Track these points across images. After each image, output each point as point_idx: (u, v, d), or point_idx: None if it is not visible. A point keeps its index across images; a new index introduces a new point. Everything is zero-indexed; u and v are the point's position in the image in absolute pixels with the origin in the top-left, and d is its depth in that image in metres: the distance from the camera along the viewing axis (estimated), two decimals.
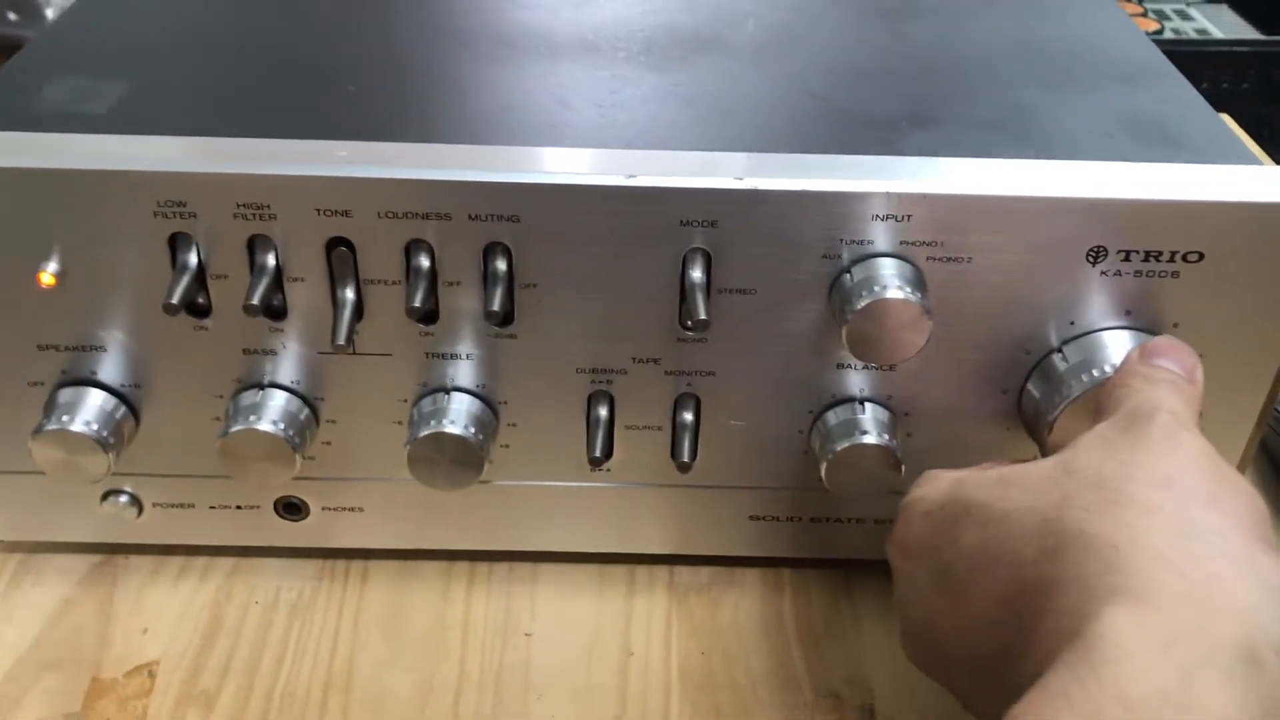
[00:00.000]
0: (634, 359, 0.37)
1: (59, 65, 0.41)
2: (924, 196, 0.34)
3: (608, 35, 0.44)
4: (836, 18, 0.47)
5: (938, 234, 0.34)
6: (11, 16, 1.48)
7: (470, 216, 0.34)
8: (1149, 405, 0.30)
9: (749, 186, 0.34)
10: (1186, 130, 0.39)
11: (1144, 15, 1.67)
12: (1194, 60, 1.57)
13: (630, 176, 0.34)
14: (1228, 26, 1.67)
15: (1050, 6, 0.48)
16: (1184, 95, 0.42)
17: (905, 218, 0.34)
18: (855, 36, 0.45)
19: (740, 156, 0.35)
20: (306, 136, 0.35)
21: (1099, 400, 0.33)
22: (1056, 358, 0.37)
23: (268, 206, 0.34)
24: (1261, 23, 1.92)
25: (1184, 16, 1.69)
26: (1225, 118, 0.77)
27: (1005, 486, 0.30)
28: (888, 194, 0.34)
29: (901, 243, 0.35)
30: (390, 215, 0.34)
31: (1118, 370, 0.34)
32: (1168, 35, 1.62)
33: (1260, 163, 0.37)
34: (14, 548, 0.43)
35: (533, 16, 0.45)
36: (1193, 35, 1.62)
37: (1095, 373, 0.36)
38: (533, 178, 0.34)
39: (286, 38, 0.44)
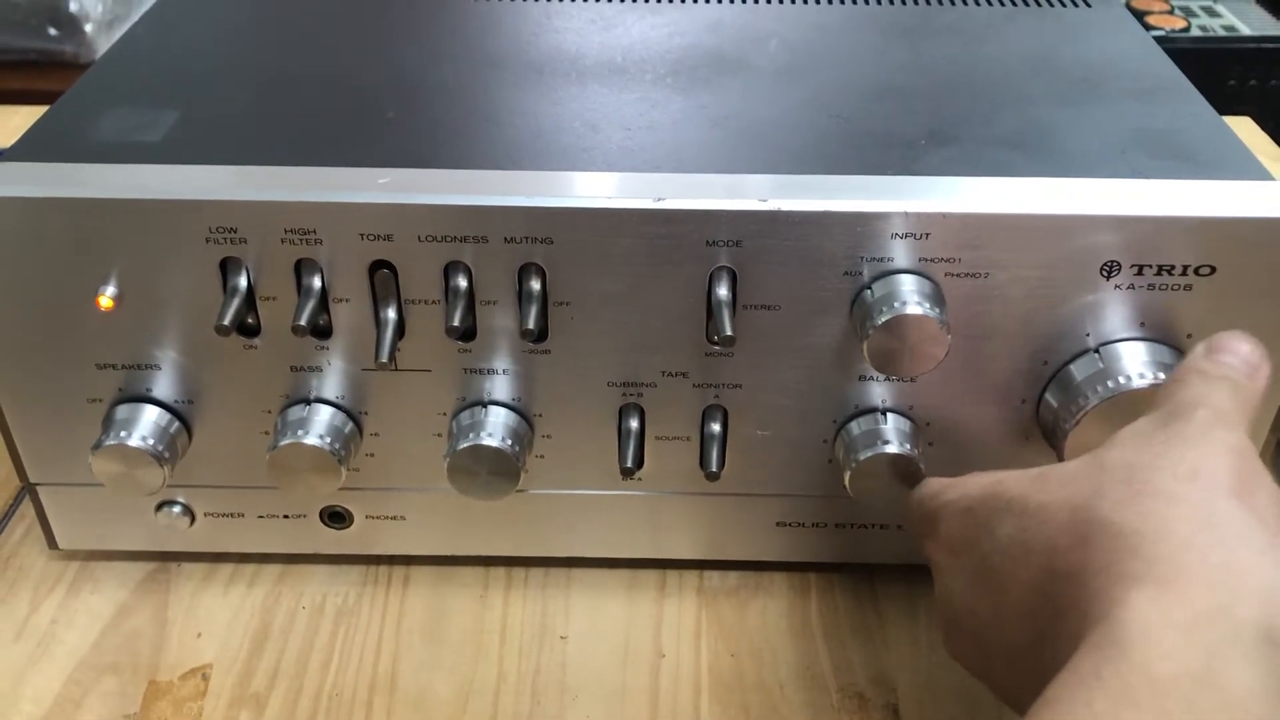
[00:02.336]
0: (663, 373, 0.39)
1: (112, 97, 0.43)
2: (942, 216, 0.35)
3: (635, 58, 0.46)
4: (856, 37, 0.48)
5: (956, 251, 0.36)
6: (52, 31, 1.51)
7: (506, 239, 0.36)
8: (1192, 401, 0.31)
9: (773, 208, 0.35)
10: (1199, 145, 0.40)
11: (1171, 12, 1.67)
12: (1222, 57, 1.57)
13: (659, 200, 0.35)
14: (1255, 22, 1.67)
15: (1067, 23, 0.49)
16: (1198, 110, 0.43)
17: (924, 236, 0.36)
18: (875, 55, 0.47)
19: (764, 179, 0.36)
20: (348, 164, 0.37)
21: (1157, 394, 0.33)
22: (1073, 369, 0.38)
23: (314, 232, 0.36)
24: None
25: (1211, 13, 1.69)
26: (1245, 120, 0.77)
27: (1043, 480, 0.31)
28: (906, 214, 0.35)
29: (921, 260, 0.36)
30: (430, 239, 0.36)
31: (1182, 363, 0.33)
32: (1195, 32, 1.62)
33: (1271, 176, 0.38)
34: (72, 556, 0.45)
35: (562, 40, 0.47)
36: (1220, 31, 1.62)
37: (1111, 383, 0.37)
38: (565, 202, 0.36)
39: (325, 68, 0.45)
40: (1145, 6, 1.66)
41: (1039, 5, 0.51)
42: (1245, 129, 0.75)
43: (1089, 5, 0.51)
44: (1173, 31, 1.58)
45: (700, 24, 0.49)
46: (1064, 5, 0.51)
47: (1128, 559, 0.27)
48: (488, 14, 0.50)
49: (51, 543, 0.44)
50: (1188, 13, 1.67)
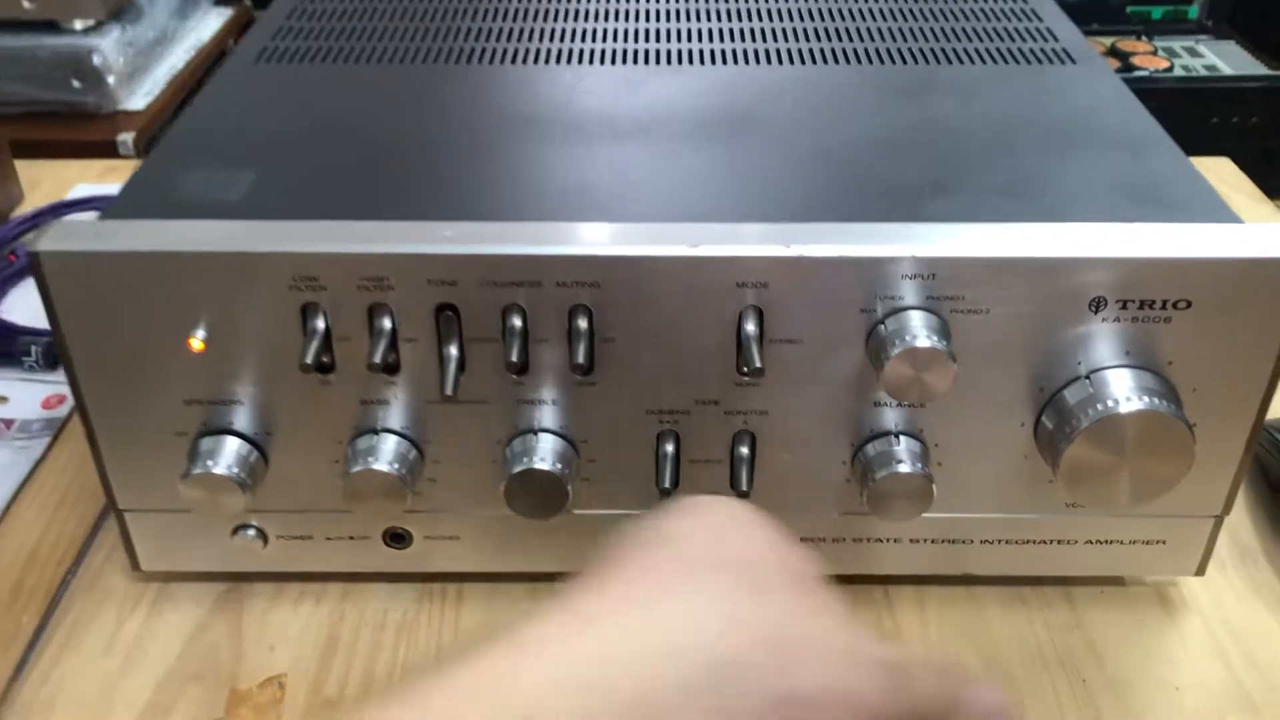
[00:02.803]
0: (697, 401, 0.43)
1: (191, 160, 0.47)
2: (946, 259, 0.40)
3: (661, 117, 0.50)
4: (861, 95, 0.53)
5: (959, 290, 0.40)
6: (75, 84, 1.57)
7: (558, 284, 0.40)
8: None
9: (795, 254, 0.40)
10: (1175, 192, 0.44)
11: (1155, 54, 1.73)
12: (1205, 96, 1.63)
13: (694, 246, 0.40)
14: (1236, 62, 1.73)
15: (1054, 80, 0.54)
16: (1174, 160, 0.47)
17: (931, 276, 0.40)
18: (879, 112, 0.51)
19: (787, 226, 0.41)
20: (413, 218, 0.42)
21: None
22: (1066, 394, 0.42)
23: (386, 279, 0.40)
24: (1274, 53, 1.97)
25: (1193, 53, 1.75)
26: (1224, 160, 0.82)
27: None
28: (914, 257, 0.39)
29: (928, 298, 0.40)
30: (490, 284, 0.40)
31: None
32: (1178, 72, 1.68)
33: (1238, 219, 0.42)
34: (150, 578, 0.49)
35: (596, 102, 0.52)
36: (1202, 71, 1.68)
37: (1100, 406, 0.41)
38: (610, 250, 0.40)
39: (382, 129, 0.50)
40: (1130, 49, 1.72)
41: (1028, 63, 0.56)
42: (1224, 169, 0.80)
43: (1074, 62, 0.56)
44: (1157, 72, 1.64)
45: (718, 85, 0.54)
46: (1050, 63, 0.56)
47: None
48: (526, 78, 0.54)
49: (134, 564, 0.48)
50: (1171, 54, 1.73)
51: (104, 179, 0.80)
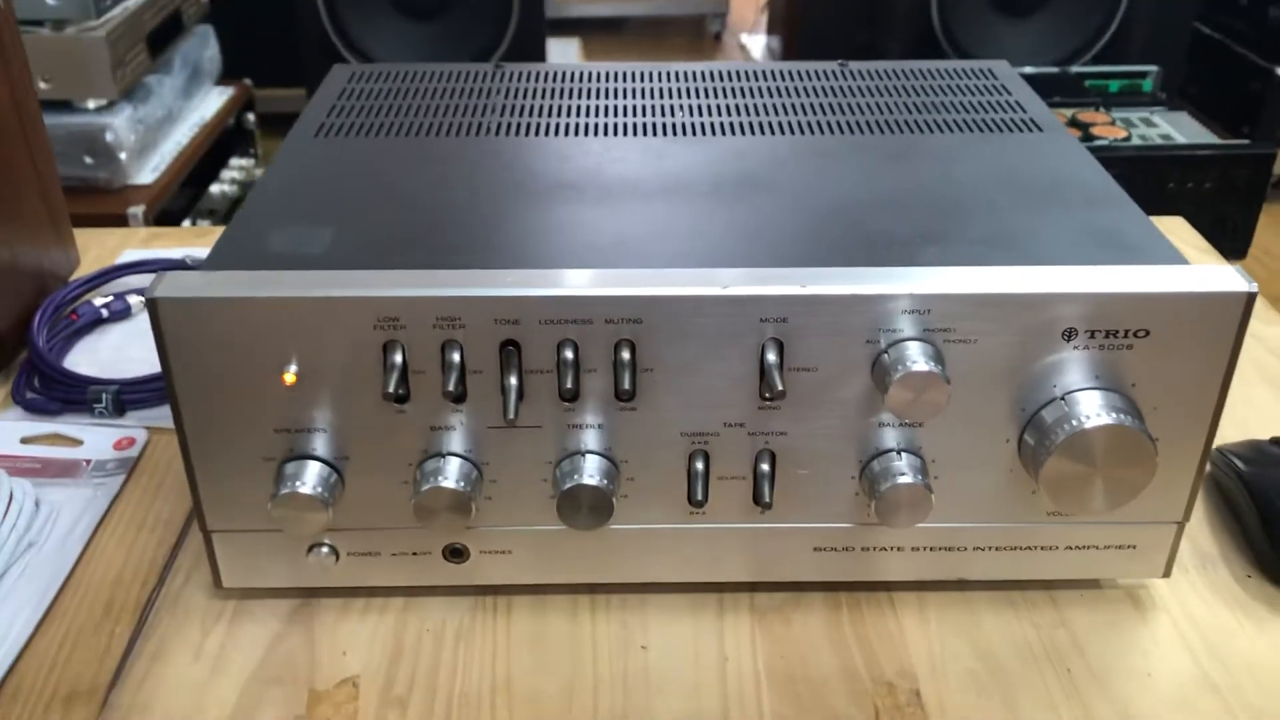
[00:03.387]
0: (725, 424, 0.49)
1: (273, 219, 0.53)
2: (939, 295, 0.46)
3: (684, 180, 0.57)
4: (857, 161, 0.60)
5: (951, 323, 0.47)
6: (88, 160, 1.63)
7: (606, 320, 0.47)
8: None
9: (810, 292, 0.46)
10: (1133, 240, 0.52)
11: (1113, 124, 1.83)
12: (1161, 164, 1.73)
13: (724, 288, 0.46)
14: (1189, 131, 1.84)
15: (1024, 146, 0.61)
16: (1132, 213, 0.54)
17: (926, 311, 0.47)
18: (873, 175, 0.58)
19: (802, 270, 0.47)
20: (475, 266, 0.48)
21: None
22: (1045, 413, 0.49)
23: (459, 319, 0.46)
24: (1224, 123, 2.09)
25: (1149, 124, 1.86)
26: (1178, 219, 0.90)
27: None
28: (912, 295, 0.46)
29: (924, 330, 0.47)
30: (547, 322, 0.47)
31: None
32: (1136, 141, 1.78)
33: (1186, 261, 0.49)
34: (229, 595, 0.54)
35: (625, 168, 0.59)
36: (1158, 140, 1.78)
37: (1074, 423, 0.47)
38: (650, 291, 0.46)
39: (439, 192, 0.57)
40: (1090, 119, 1.83)
41: (1000, 132, 0.63)
42: (1178, 226, 0.88)
43: (1041, 130, 0.63)
44: (1116, 141, 1.74)
45: (731, 153, 0.61)
46: (1020, 132, 0.63)
47: None
48: (561, 148, 0.61)
49: (217, 581, 0.53)
50: (1128, 124, 1.84)
51: (149, 244, 0.86)
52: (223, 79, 2.01)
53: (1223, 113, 2.41)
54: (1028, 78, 2.00)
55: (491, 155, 0.61)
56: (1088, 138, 1.74)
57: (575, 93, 0.69)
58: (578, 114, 0.66)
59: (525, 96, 0.68)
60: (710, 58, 3.47)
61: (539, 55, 2.07)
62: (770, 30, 2.85)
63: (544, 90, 0.69)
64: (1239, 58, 2.45)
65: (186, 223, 1.76)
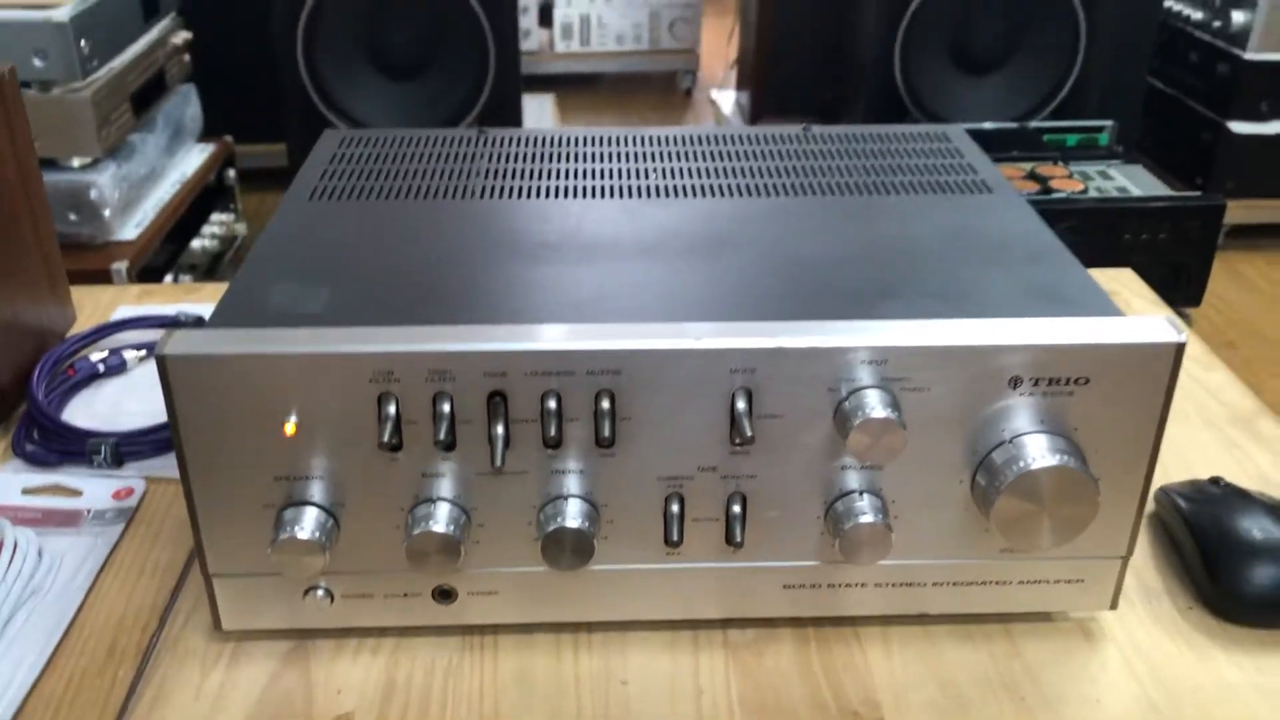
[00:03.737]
0: (698, 468, 0.53)
1: (272, 279, 0.57)
2: (895, 348, 0.50)
3: (660, 241, 0.61)
4: (819, 221, 0.64)
5: (906, 372, 0.51)
6: (72, 217, 1.66)
7: (587, 372, 0.50)
8: None
9: (776, 345, 0.50)
10: (1073, 294, 0.56)
11: (1070, 177, 1.90)
12: (1117, 216, 1.79)
13: (696, 341, 0.50)
14: (1144, 183, 1.90)
15: (974, 207, 0.66)
16: (1073, 269, 0.59)
17: (883, 362, 0.50)
18: (835, 233, 0.62)
19: (769, 324, 0.51)
20: (464, 321, 0.51)
21: None
22: (995, 454, 0.52)
23: (449, 371, 0.50)
24: (1178, 174, 2.16)
25: (1105, 176, 1.93)
26: (1126, 270, 0.95)
27: None
28: (870, 347, 0.50)
29: (882, 379, 0.51)
30: (532, 374, 0.50)
31: None
32: (1092, 193, 1.84)
33: (1121, 313, 0.53)
34: (227, 637, 0.57)
35: (603, 228, 0.62)
36: (1114, 193, 1.85)
37: (1021, 464, 0.51)
38: (628, 344, 0.50)
39: (428, 252, 0.60)
40: (1049, 173, 1.89)
41: (954, 193, 0.68)
42: (1127, 278, 0.93)
43: (991, 191, 0.68)
44: (1073, 194, 1.80)
45: (702, 213, 0.65)
46: (972, 193, 0.68)
47: None
48: (542, 210, 0.65)
49: (216, 624, 0.56)
50: (1085, 177, 1.91)
51: (142, 301, 0.89)
52: (204, 136, 2.04)
53: (1177, 163, 2.49)
54: (988, 133, 2.08)
55: (476, 217, 0.64)
56: (1046, 190, 1.80)
57: (554, 156, 0.73)
58: (557, 176, 0.70)
59: (507, 160, 0.72)
60: (681, 113, 3.54)
61: (515, 112, 2.13)
62: (740, 86, 2.92)
63: (524, 154, 0.73)
64: (1191, 111, 2.54)
65: (169, 277, 1.78)
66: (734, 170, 0.71)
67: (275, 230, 0.63)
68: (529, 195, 0.67)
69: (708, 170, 0.71)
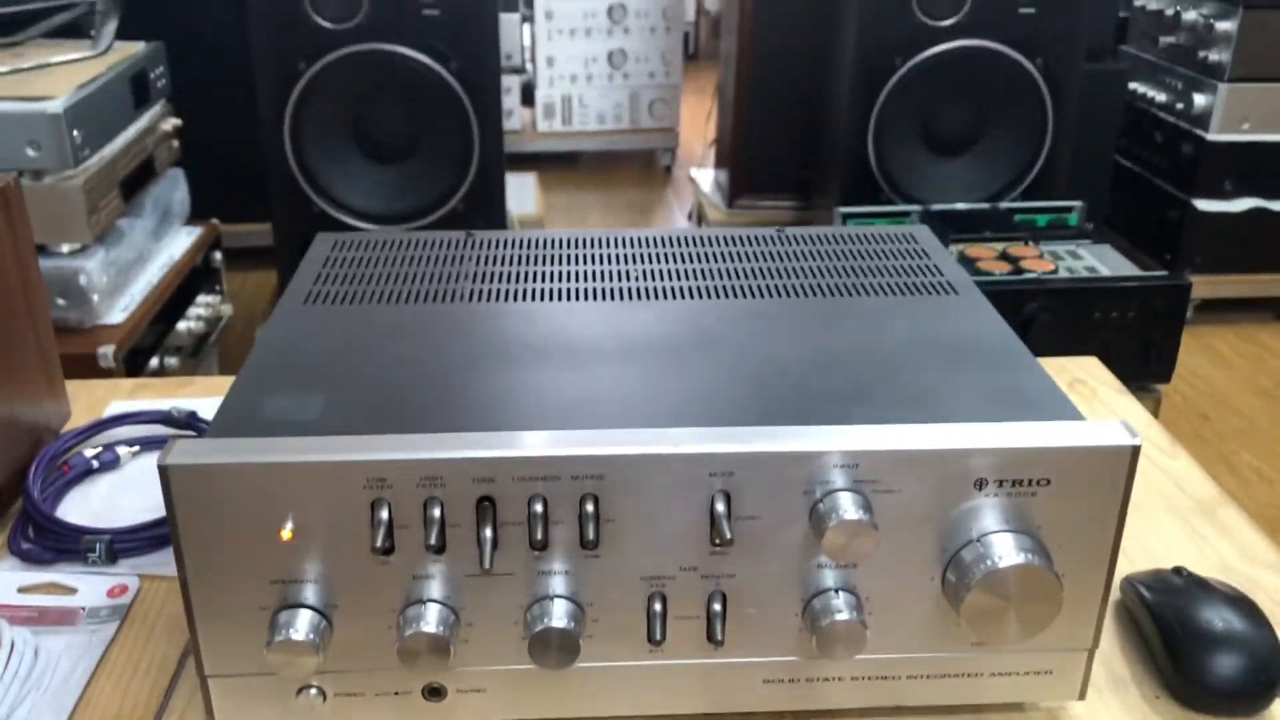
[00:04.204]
0: (680, 568, 0.55)
1: (269, 386, 0.59)
2: (866, 452, 0.53)
3: (641, 343, 0.64)
4: (795, 322, 0.67)
5: (878, 475, 0.53)
6: (60, 302, 1.68)
7: (572, 477, 0.52)
8: None
9: (753, 450, 0.52)
10: (1035, 397, 0.58)
11: (1041, 257, 1.95)
12: (1087, 295, 1.84)
13: (676, 446, 0.52)
14: (1113, 263, 1.95)
15: (940, 308, 0.69)
16: (1033, 370, 0.62)
17: (855, 465, 0.53)
18: (809, 336, 0.65)
19: (746, 429, 0.54)
20: (454, 427, 0.54)
21: None
22: (964, 552, 0.55)
23: (439, 478, 0.52)
24: (1147, 250, 2.21)
25: (1075, 256, 1.98)
26: (1093, 360, 0.98)
27: None
28: (842, 452, 0.52)
29: (854, 481, 0.53)
30: (520, 479, 0.52)
31: None
32: (1062, 273, 1.89)
33: (1081, 416, 0.56)
34: None
35: (586, 331, 0.65)
36: (1084, 273, 1.89)
37: (989, 563, 0.53)
38: (611, 450, 0.52)
39: (419, 357, 0.63)
40: (1020, 253, 1.94)
41: (919, 294, 0.71)
42: (1091, 366, 0.96)
43: (956, 293, 0.71)
44: (1044, 274, 1.85)
45: (681, 315, 0.67)
46: (938, 294, 0.71)
47: None
48: (527, 313, 0.68)
49: None
50: (1056, 256, 1.95)
51: (135, 395, 0.91)
52: (191, 218, 2.07)
53: (1146, 239, 2.55)
54: (961, 214, 2.13)
55: (465, 321, 0.67)
56: (1018, 270, 1.85)
57: (539, 259, 0.76)
58: (541, 279, 0.73)
59: (493, 263, 0.75)
60: (661, 190, 3.61)
61: (499, 191, 2.17)
62: (718, 164, 2.98)
63: (510, 256, 0.76)
64: (1157, 189, 2.61)
65: (154, 359, 1.80)
66: (712, 272, 0.74)
67: (272, 335, 0.65)
68: (515, 298, 0.70)
69: (686, 272, 0.74)
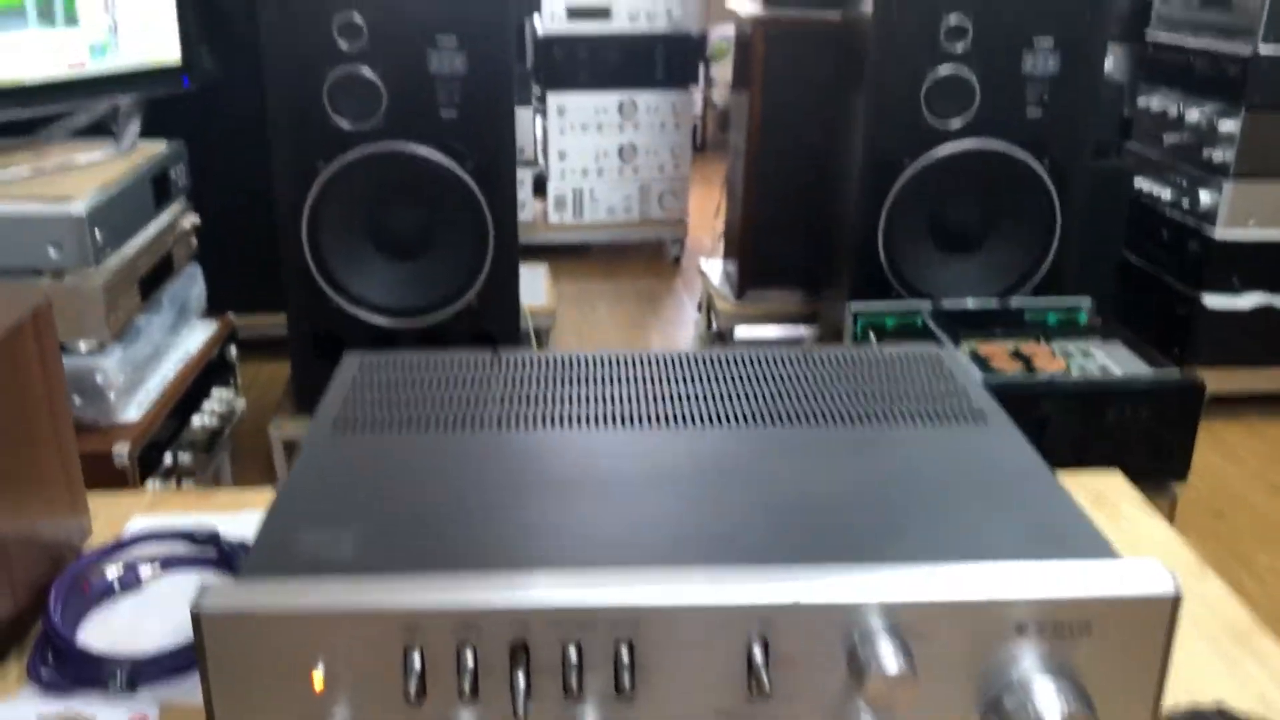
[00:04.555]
0: (716, 715, 0.54)
1: (302, 520, 0.59)
2: (905, 604, 0.52)
3: (667, 472, 0.64)
4: (824, 453, 0.67)
5: (920, 626, 0.52)
6: (76, 400, 1.68)
7: (610, 624, 0.52)
8: None
9: (793, 601, 0.52)
10: (1070, 535, 0.58)
11: (1053, 355, 1.95)
12: (1100, 394, 1.84)
13: (714, 598, 0.52)
14: (1124, 361, 1.96)
15: (969, 438, 0.69)
16: (1066, 504, 0.61)
17: (893, 613, 0.52)
18: (839, 468, 0.65)
19: (785, 574, 0.53)
20: (489, 564, 0.53)
21: None
22: (1005, 699, 0.54)
23: (475, 625, 0.51)
24: (1157, 345, 2.22)
25: (1085, 354, 1.98)
26: (1117, 475, 0.97)
27: None
28: (881, 603, 0.52)
29: (893, 627, 0.52)
30: (554, 624, 0.52)
31: None
32: (1075, 373, 1.89)
33: (1117, 554, 0.56)
34: None
35: (614, 462, 0.65)
36: (1096, 373, 1.90)
37: (1030, 709, 0.53)
38: (648, 601, 0.52)
39: (450, 489, 0.62)
40: (1031, 352, 1.95)
41: (949, 423, 0.71)
42: (1114, 482, 0.96)
43: (985, 422, 0.71)
44: (1057, 375, 1.85)
45: (707, 448, 0.67)
46: (966, 422, 0.71)
47: None
48: (558, 441, 0.68)
49: None
50: (1067, 354, 1.96)
51: (154, 508, 0.90)
52: (206, 311, 2.09)
53: (1154, 335, 2.56)
54: (971, 312, 2.14)
55: (494, 449, 0.67)
56: (1030, 369, 1.85)
57: (564, 380, 0.76)
58: (568, 402, 0.73)
59: (520, 384, 0.75)
60: (670, 281, 3.64)
61: (513, 285, 2.18)
62: (727, 255, 3.01)
63: (537, 378, 0.76)
64: (1165, 285, 2.62)
65: (168, 456, 1.80)
66: (737, 395, 0.74)
67: (306, 465, 0.65)
68: (543, 423, 0.70)
69: (711, 395, 0.74)
